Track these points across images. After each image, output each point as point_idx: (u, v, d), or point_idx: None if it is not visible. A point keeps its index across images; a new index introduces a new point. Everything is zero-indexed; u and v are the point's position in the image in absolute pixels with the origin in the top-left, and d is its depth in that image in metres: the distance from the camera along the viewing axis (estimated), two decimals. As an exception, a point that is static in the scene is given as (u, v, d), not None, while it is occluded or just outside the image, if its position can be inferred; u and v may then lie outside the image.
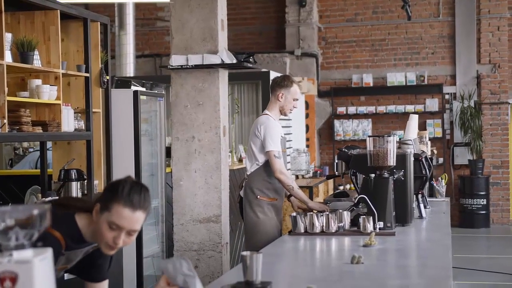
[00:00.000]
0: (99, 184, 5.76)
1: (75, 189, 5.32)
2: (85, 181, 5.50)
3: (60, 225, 2.57)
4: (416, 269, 3.31)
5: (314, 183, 9.21)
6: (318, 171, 10.49)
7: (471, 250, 10.17)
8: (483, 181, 11.98)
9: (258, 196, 5.08)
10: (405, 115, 10.71)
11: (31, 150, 8.39)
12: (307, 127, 12.07)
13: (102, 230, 2.55)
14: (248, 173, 5.20)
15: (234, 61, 5.42)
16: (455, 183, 12.36)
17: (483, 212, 11.96)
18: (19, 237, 1.72)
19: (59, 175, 5.39)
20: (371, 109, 12.50)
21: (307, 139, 12.01)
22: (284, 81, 5.19)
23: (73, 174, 5.34)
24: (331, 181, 10.74)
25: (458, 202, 12.20)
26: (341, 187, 10.23)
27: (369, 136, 4.36)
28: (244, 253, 2.67)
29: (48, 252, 1.76)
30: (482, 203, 11.92)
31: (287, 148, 6.10)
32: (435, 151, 10.44)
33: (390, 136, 4.32)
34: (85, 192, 5.52)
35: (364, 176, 4.42)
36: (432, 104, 12.33)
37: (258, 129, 5.06)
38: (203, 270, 5.46)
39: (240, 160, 8.41)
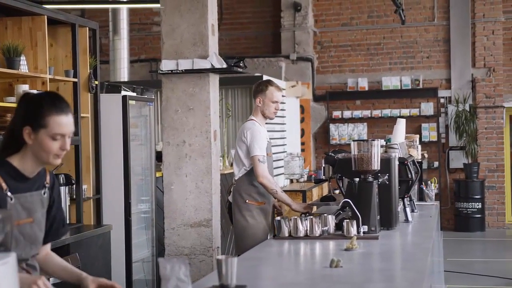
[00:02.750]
0: (87, 189, 5.78)
1: (64, 194, 5.33)
2: (74, 185, 5.52)
3: None
4: (393, 272, 3.32)
5: (307, 187, 9.22)
6: (313, 175, 10.49)
7: (466, 254, 10.17)
8: (478, 184, 11.99)
9: (247, 201, 5.16)
10: (400, 119, 10.75)
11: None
12: (303, 131, 12.10)
13: (46, 145, 2.61)
14: (236, 178, 5.27)
15: (224, 65, 5.43)
16: (450, 186, 12.37)
17: (478, 215, 11.96)
18: (-19, 242, 1.74)
19: (48, 179, 5.39)
20: (367, 113, 12.51)
21: (303, 143, 12.03)
22: (259, 86, 5.29)
23: (62, 178, 5.35)
24: (325, 185, 10.74)
25: (453, 206, 12.21)
26: (337, 191, 10.22)
27: (353, 140, 4.38)
28: (219, 257, 2.70)
29: (11, 257, 1.77)
30: (477, 207, 11.93)
31: (274, 153, 6.14)
32: (426, 155, 10.45)
33: (374, 140, 4.33)
34: (74, 197, 5.53)
35: (348, 180, 4.43)
36: (427, 108, 12.34)
37: (244, 134, 5.16)
38: (194, 275, 5.47)
39: (232, 165, 8.43)
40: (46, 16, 5.15)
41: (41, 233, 2.74)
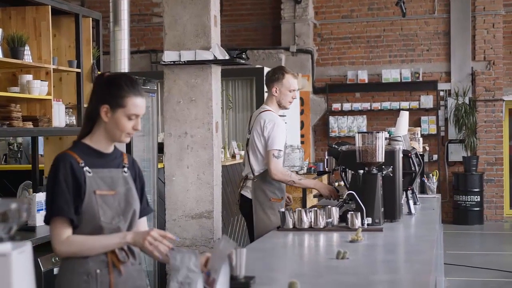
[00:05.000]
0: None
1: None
2: (77, 176, 5.51)
3: (71, 149, 2.82)
4: (399, 264, 3.33)
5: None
6: (313, 168, 10.50)
7: (464, 247, 10.20)
8: (477, 178, 12.01)
9: (271, 199, 5.01)
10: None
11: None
12: (302, 123, 12.10)
13: (121, 124, 2.80)
14: (256, 174, 5.06)
15: (227, 57, 5.41)
16: (449, 179, 12.40)
17: (477, 209, 11.99)
18: (-3, 230, 1.74)
19: (50, 170, 5.39)
20: (366, 105, 12.53)
21: (302, 136, 12.03)
22: (275, 74, 5.08)
23: (64, 169, 5.34)
24: (325, 178, 10.76)
25: (452, 199, 12.24)
26: (337, 184, 10.23)
27: (358, 133, 4.37)
28: (228, 248, 2.69)
29: (27, 246, 1.77)
30: (476, 200, 11.96)
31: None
32: (427, 148, 10.47)
33: (379, 132, 4.34)
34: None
35: (353, 172, 4.43)
36: (427, 101, 12.35)
37: (264, 126, 4.95)
38: (195, 266, 5.48)
39: (233, 156, 8.43)
40: (50, 6, 5.14)
41: (129, 206, 2.86)
